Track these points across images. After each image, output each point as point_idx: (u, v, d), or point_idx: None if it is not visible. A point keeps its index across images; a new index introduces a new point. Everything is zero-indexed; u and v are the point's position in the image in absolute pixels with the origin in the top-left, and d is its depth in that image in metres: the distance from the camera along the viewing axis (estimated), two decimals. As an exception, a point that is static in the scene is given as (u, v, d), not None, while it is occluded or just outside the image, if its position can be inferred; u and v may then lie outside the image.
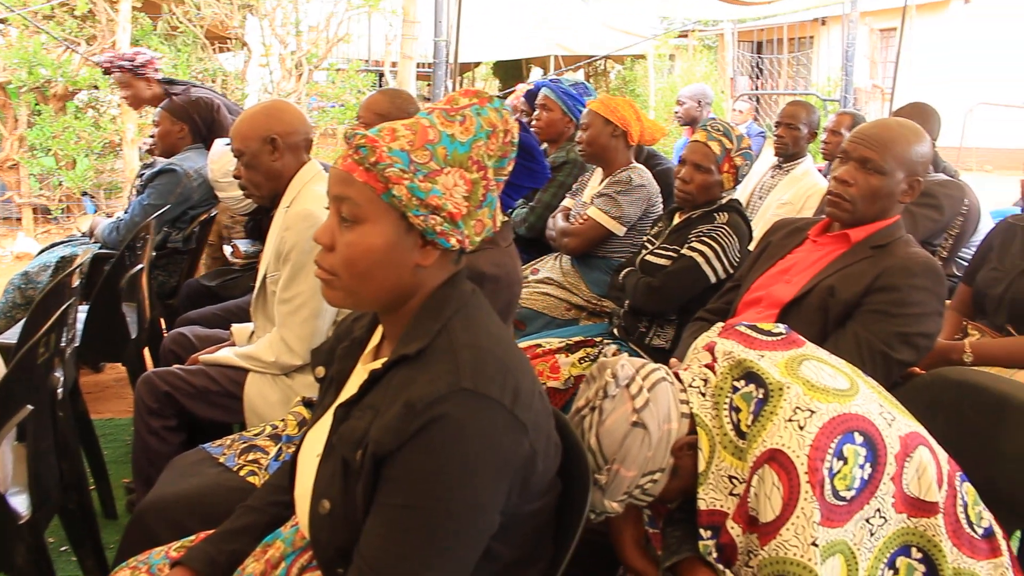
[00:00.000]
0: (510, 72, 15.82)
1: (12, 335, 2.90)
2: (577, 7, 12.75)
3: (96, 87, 7.32)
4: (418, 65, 7.20)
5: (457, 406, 1.10)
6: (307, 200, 2.27)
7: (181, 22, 7.84)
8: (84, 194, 7.39)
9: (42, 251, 3.71)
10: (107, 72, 4.19)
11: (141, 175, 3.88)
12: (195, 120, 3.64)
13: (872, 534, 1.32)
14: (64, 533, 2.26)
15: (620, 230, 3.11)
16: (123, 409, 3.58)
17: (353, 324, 1.45)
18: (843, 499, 1.29)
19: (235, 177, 2.40)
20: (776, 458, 1.31)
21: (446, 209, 1.19)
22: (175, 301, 3.42)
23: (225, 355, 2.33)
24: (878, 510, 1.31)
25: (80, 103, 7.58)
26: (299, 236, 2.21)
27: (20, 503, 1.84)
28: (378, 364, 1.24)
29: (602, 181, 3.25)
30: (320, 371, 1.45)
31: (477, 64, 15.60)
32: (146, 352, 3.24)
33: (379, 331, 1.37)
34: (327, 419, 1.31)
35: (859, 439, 1.31)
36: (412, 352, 1.18)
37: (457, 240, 1.22)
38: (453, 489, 1.10)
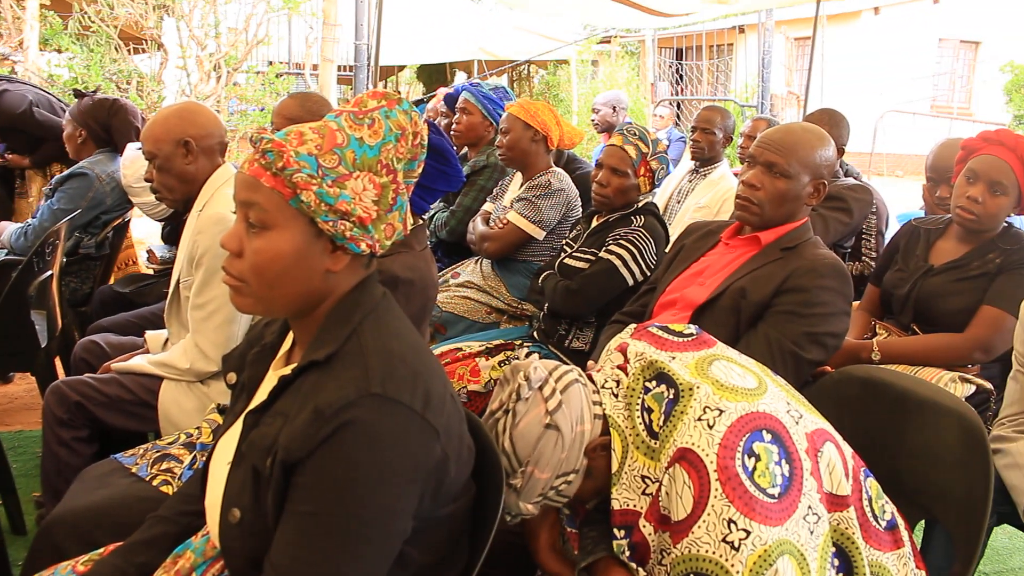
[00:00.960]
0: (434, 76, 15.80)
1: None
2: (501, 13, 12.81)
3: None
4: (339, 68, 7.14)
5: (367, 411, 1.10)
6: (220, 204, 2.24)
7: (93, 21, 7.63)
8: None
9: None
10: None
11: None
12: (93, 125, 3.55)
13: (812, 532, 1.33)
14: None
15: (540, 234, 3.13)
16: (33, 421, 3.46)
17: (264, 329, 1.44)
18: (772, 496, 1.30)
19: (147, 180, 2.36)
20: (686, 457, 1.34)
21: (355, 214, 1.19)
22: (88, 308, 3.33)
23: (138, 363, 2.28)
24: (810, 507, 1.33)
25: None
26: (212, 240, 2.17)
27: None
28: (288, 370, 1.23)
29: (522, 185, 3.27)
30: (231, 377, 1.43)
31: (401, 68, 15.53)
32: (57, 361, 3.14)
33: (290, 336, 1.36)
34: (238, 426, 1.29)
35: (767, 436, 1.35)
36: (321, 357, 1.17)
37: (367, 245, 1.22)
38: (364, 495, 1.10)
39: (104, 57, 7.53)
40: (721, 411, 1.35)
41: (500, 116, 3.55)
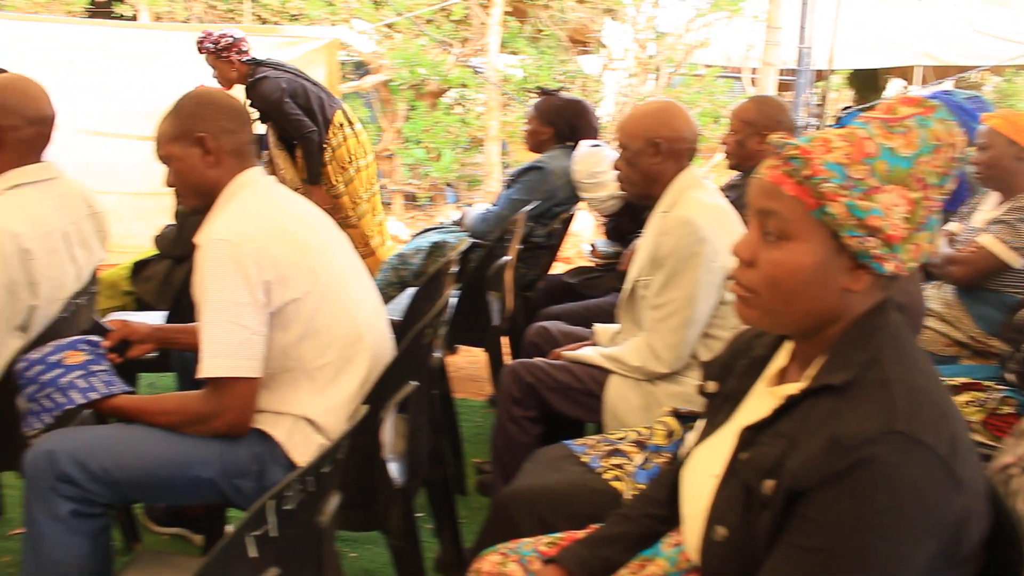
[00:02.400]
0: (866, 83, 14.89)
1: (392, 311, 3.13)
2: (947, 10, 11.67)
3: (465, 86, 7.82)
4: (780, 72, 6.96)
5: (889, 450, 0.99)
6: (688, 207, 2.22)
7: (546, 26, 8.17)
8: (447, 185, 7.94)
9: (416, 236, 3.99)
10: (199, 52, 4.32)
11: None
12: (561, 124, 3.73)
13: None
14: (426, 502, 2.40)
15: (1018, 262, 2.76)
16: (474, 391, 3.76)
17: (753, 341, 1.37)
18: None
19: (616, 168, 2.41)
20: None
21: (885, 231, 1.08)
22: (533, 294, 3.53)
23: (589, 354, 2.35)
24: None
25: (450, 100, 8.15)
26: (677, 243, 2.17)
27: (397, 471, 1.96)
28: (791, 389, 1.15)
29: (999, 206, 2.90)
30: (712, 386, 1.38)
31: (831, 72, 14.85)
32: (503, 341, 3.37)
33: (783, 352, 1.28)
34: (723, 439, 1.24)
35: None
36: (837, 383, 1.08)
37: (894, 265, 1.10)
38: (874, 541, 0.99)
39: (553, 58, 8.04)
40: None
41: (974, 129, 3.19)
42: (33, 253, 2.05)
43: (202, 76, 4.46)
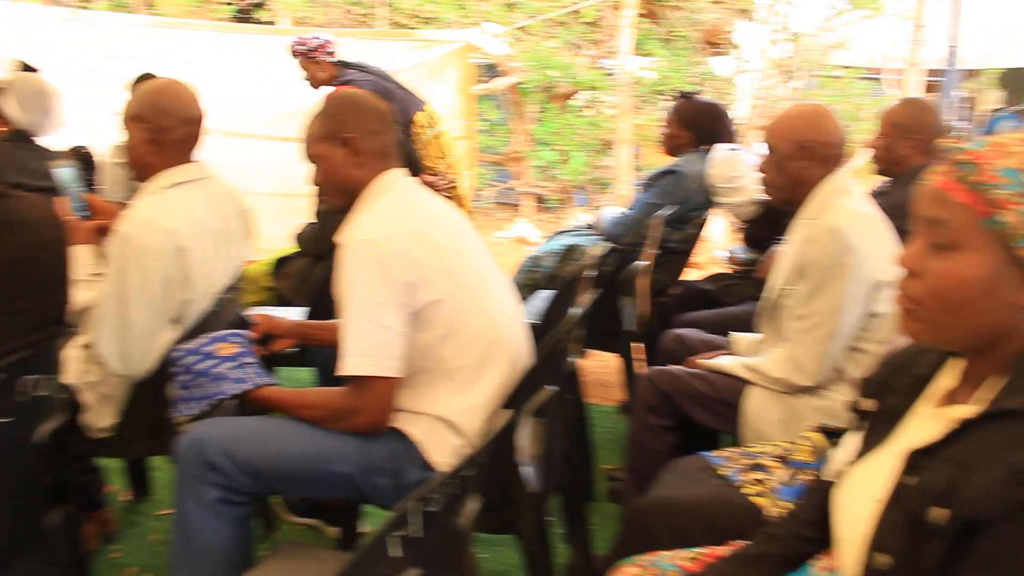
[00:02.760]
0: (1019, 83, 14.09)
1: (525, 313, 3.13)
2: None
3: (595, 88, 7.79)
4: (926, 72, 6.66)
5: None
6: (835, 214, 2.13)
7: (679, 27, 8.05)
8: (577, 187, 7.93)
9: (549, 238, 3.98)
10: (293, 56, 4.48)
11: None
12: (700, 128, 3.65)
13: None
14: (557, 508, 2.38)
15: None
16: (604, 396, 3.72)
17: (915, 358, 1.29)
18: None
19: (760, 171, 2.34)
20: None
21: (1065, 244, 1.00)
22: (666, 299, 3.47)
23: (727, 363, 2.28)
24: None
25: (580, 102, 8.13)
26: (823, 251, 2.08)
27: (532, 475, 1.94)
28: (964, 411, 1.07)
29: None
30: (869, 404, 1.31)
31: (979, 72, 14.11)
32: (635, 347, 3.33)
33: (952, 372, 1.20)
34: (883, 461, 1.17)
35: None
36: (1018, 407, 1.00)
37: None
38: None
39: (685, 60, 7.92)
40: None
41: None
42: (188, 250, 2.13)
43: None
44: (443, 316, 1.83)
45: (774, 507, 1.70)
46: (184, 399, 1.98)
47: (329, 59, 4.53)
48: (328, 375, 2.42)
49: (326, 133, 1.97)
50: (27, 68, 3.45)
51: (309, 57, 4.52)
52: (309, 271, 3.37)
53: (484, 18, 8.05)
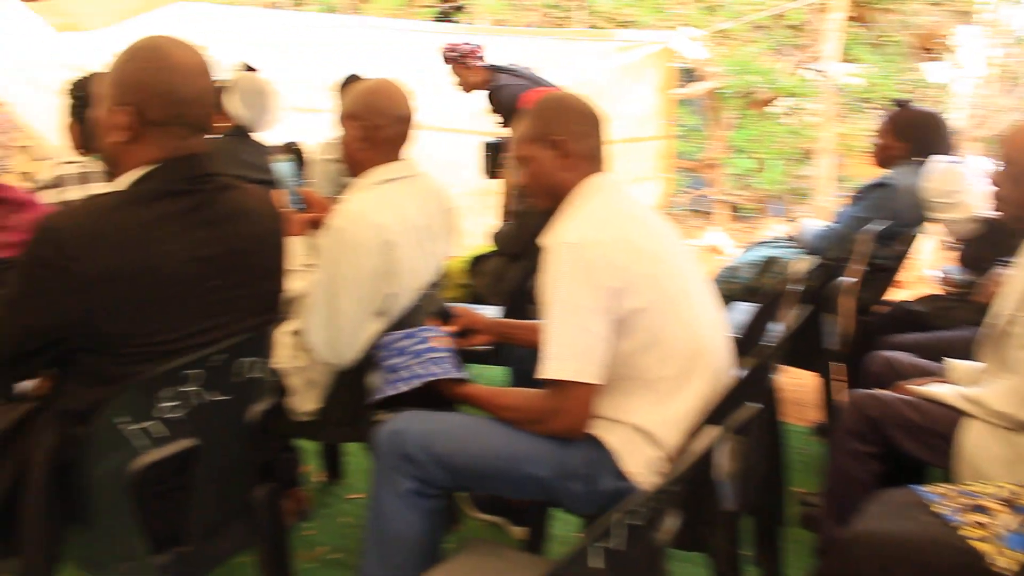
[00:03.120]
0: None
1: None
2: None
3: (797, 94, 7.51)
4: None
5: None
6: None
7: (890, 32, 7.64)
8: (774, 197, 7.68)
9: (747, 249, 3.86)
10: (445, 62, 4.57)
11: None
12: (917, 139, 3.44)
13: None
14: (748, 529, 2.30)
15: None
16: (797, 416, 3.57)
17: None
18: None
19: (994, 185, 2.18)
20: None
21: None
22: (869, 319, 3.29)
23: (943, 391, 2.14)
24: None
25: (780, 109, 7.87)
26: None
27: (728, 494, 1.88)
28: None
29: None
30: None
31: None
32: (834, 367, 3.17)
33: None
34: None
35: None
36: None
37: None
38: None
39: (896, 66, 7.52)
40: None
41: None
42: (395, 244, 2.20)
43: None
44: (647, 324, 1.80)
45: (1000, 556, 1.57)
46: (391, 381, 2.04)
47: (480, 63, 4.63)
48: (522, 376, 2.44)
49: (535, 134, 1.98)
50: (249, 68, 3.68)
51: (460, 62, 4.62)
52: (504, 270, 3.41)
53: (682, 21, 7.92)
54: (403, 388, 2.01)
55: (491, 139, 4.83)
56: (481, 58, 4.66)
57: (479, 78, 4.65)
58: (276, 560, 2.08)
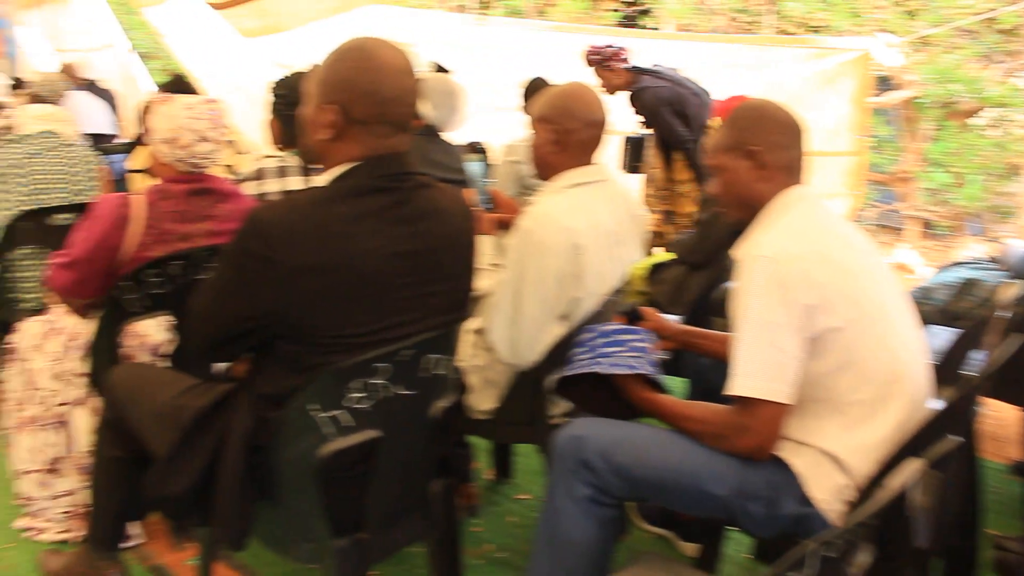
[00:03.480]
0: None
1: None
2: None
3: (1007, 105, 7.02)
4: None
5: None
6: None
7: None
8: (972, 215, 7.22)
9: (942, 269, 3.63)
10: (588, 65, 4.62)
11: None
12: None
13: None
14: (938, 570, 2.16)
15: None
16: (993, 452, 3.33)
17: None
18: None
19: None
20: None
21: None
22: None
23: None
24: None
25: (985, 120, 7.38)
26: None
27: (922, 531, 1.77)
28: None
29: None
30: None
31: None
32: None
33: None
34: None
35: None
36: None
37: None
38: None
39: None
40: None
41: None
42: (584, 248, 2.19)
43: (722, 84, 4.60)
44: (842, 345, 1.72)
45: None
46: (589, 361, 2.03)
47: (623, 66, 4.65)
48: (700, 388, 2.39)
49: (731, 144, 1.92)
50: (440, 69, 3.77)
51: (604, 65, 4.64)
52: (685, 279, 3.34)
53: (880, 27, 7.56)
54: (603, 369, 1.99)
55: (632, 134, 4.83)
56: (625, 60, 4.69)
57: (622, 80, 4.67)
58: (447, 554, 2.12)
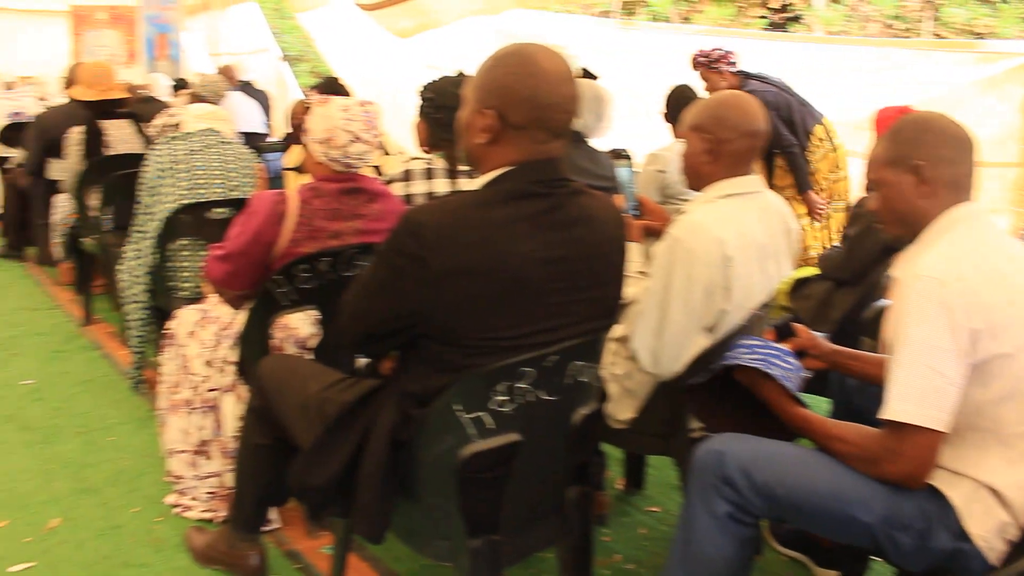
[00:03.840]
0: None
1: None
2: None
3: None
4: None
5: None
6: None
7: None
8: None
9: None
10: (694, 68, 4.64)
11: None
12: None
13: None
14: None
15: None
16: None
17: None
18: None
19: None
20: None
21: None
22: None
23: None
24: None
25: None
26: None
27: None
28: None
29: None
30: None
31: None
32: None
33: None
34: None
35: None
36: None
37: None
38: None
39: None
40: None
41: None
42: (733, 260, 2.14)
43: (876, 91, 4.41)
44: (1010, 372, 1.62)
45: None
46: (741, 357, 1.99)
47: (730, 69, 4.64)
48: (845, 409, 2.29)
49: (894, 158, 1.83)
50: (587, 74, 3.75)
51: (711, 68, 4.65)
52: (829, 296, 3.23)
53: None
54: (752, 363, 1.94)
55: None
56: (733, 64, 4.67)
57: (728, 83, 4.61)
58: (579, 561, 2.11)
